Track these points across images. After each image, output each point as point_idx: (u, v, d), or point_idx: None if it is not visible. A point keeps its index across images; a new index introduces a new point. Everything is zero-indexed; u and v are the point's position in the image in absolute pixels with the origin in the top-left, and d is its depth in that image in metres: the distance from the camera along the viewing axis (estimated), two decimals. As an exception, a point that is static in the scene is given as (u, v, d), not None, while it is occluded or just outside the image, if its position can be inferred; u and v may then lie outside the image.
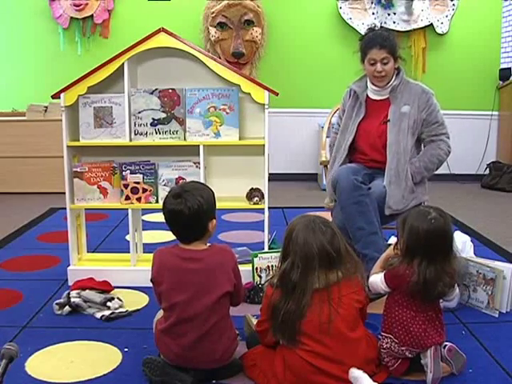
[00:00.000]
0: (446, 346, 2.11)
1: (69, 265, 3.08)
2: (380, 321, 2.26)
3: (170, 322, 2.04)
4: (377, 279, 2.17)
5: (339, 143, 3.11)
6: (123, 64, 2.90)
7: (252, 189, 3.06)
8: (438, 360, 2.05)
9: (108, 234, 4.05)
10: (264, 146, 2.97)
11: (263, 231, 3.10)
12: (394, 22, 5.94)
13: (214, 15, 5.69)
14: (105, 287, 2.84)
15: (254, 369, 2.09)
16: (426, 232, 2.05)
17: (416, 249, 2.07)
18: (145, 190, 3.00)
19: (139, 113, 2.97)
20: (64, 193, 3.01)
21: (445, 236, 2.08)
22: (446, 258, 2.08)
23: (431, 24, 5.98)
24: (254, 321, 2.31)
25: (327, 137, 3.58)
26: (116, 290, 2.88)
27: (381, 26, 5.72)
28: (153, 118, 2.96)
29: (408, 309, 2.08)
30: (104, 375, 2.14)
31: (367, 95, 3.06)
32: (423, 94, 2.97)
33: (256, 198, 3.03)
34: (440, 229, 2.07)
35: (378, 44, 2.90)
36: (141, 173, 2.98)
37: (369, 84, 3.04)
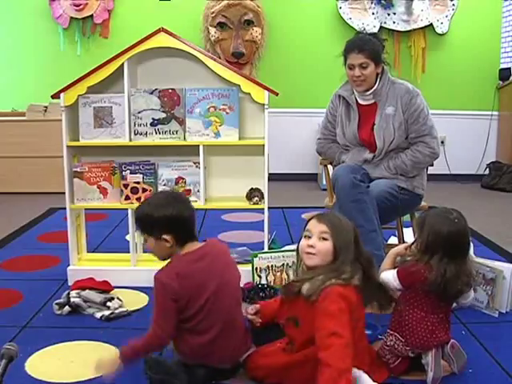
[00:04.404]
0: (447, 342, 2.11)
1: (69, 265, 3.08)
2: (379, 321, 2.27)
3: (195, 321, 2.02)
4: (389, 276, 2.13)
5: (342, 149, 3.10)
6: (123, 64, 2.90)
7: (252, 189, 3.06)
8: (439, 359, 2.05)
9: (108, 234, 4.05)
10: (264, 145, 2.97)
11: (263, 231, 3.10)
12: (394, 22, 5.95)
13: (213, 15, 5.69)
14: (105, 287, 2.83)
15: (257, 371, 2.07)
16: (449, 232, 2.05)
17: (437, 247, 2.06)
18: (145, 190, 3.00)
19: (139, 113, 2.97)
20: (64, 193, 3.01)
21: (466, 236, 2.09)
22: (464, 258, 2.08)
23: (431, 24, 5.99)
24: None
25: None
26: (116, 289, 2.88)
27: (380, 27, 5.85)
28: (153, 118, 2.96)
29: (418, 309, 2.08)
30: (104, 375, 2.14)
31: (356, 99, 3.03)
32: (406, 95, 2.92)
33: (256, 198, 3.03)
34: (462, 229, 2.08)
35: (357, 48, 2.87)
36: (141, 173, 2.98)
37: (354, 89, 3.02)
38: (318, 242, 1.96)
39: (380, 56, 2.93)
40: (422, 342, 2.05)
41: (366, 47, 2.87)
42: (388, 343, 2.10)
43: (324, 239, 1.95)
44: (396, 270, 2.14)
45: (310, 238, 1.98)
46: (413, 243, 2.17)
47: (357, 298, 1.92)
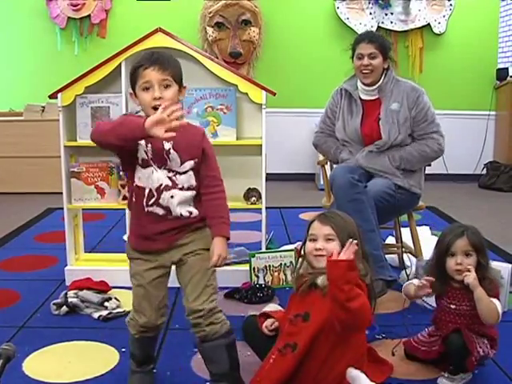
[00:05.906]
0: None
1: (66, 265, 3.08)
2: (377, 320, 2.27)
3: None
4: (498, 306, 2.08)
5: (339, 144, 3.10)
6: (120, 64, 2.90)
7: (249, 189, 3.06)
8: None
9: (105, 234, 4.05)
10: (261, 145, 2.97)
11: (260, 231, 3.10)
12: (392, 22, 5.95)
13: (211, 15, 5.70)
14: (102, 287, 2.84)
15: None
16: None
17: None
18: (142, 190, 2.99)
19: (137, 113, 2.96)
20: (61, 193, 3.01)
21: None
22: None
23: (428, 24, 6.00)
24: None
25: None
26: (113, 290, 2.87)
27: (378, 27, 5.85)
28: (150, 118, 2.96)
29: None
30: (101, 375, 2.14)
31: (359, 95, 3.04)
32: (412, 92, 2.96)
33: (253, 198, 3.03)
34: None
35: (367, 38, 2.97)
36: (138, 173, 2.98)
37: (359, 84, 3.03)
38: (325, 244, 1.93)
39: (388, 51, 2.99)
40: None
41: (375, 39, 2.97)
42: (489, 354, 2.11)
43: (331, 240, 1.94)
44: (493, 299, 2.08)
45: (315, 240, 1.97)
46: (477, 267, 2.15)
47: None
